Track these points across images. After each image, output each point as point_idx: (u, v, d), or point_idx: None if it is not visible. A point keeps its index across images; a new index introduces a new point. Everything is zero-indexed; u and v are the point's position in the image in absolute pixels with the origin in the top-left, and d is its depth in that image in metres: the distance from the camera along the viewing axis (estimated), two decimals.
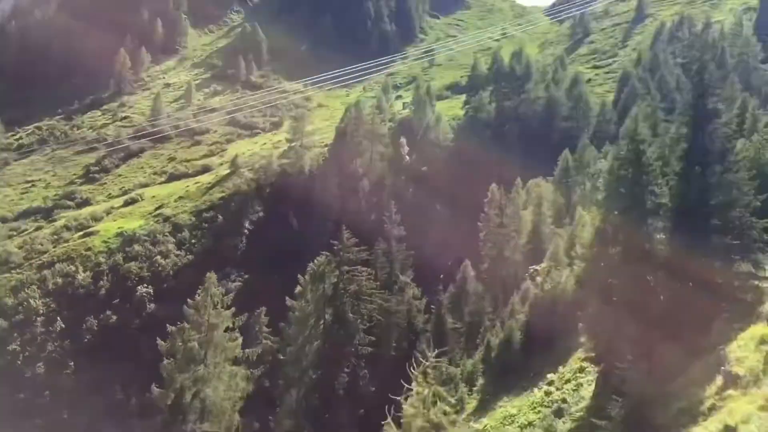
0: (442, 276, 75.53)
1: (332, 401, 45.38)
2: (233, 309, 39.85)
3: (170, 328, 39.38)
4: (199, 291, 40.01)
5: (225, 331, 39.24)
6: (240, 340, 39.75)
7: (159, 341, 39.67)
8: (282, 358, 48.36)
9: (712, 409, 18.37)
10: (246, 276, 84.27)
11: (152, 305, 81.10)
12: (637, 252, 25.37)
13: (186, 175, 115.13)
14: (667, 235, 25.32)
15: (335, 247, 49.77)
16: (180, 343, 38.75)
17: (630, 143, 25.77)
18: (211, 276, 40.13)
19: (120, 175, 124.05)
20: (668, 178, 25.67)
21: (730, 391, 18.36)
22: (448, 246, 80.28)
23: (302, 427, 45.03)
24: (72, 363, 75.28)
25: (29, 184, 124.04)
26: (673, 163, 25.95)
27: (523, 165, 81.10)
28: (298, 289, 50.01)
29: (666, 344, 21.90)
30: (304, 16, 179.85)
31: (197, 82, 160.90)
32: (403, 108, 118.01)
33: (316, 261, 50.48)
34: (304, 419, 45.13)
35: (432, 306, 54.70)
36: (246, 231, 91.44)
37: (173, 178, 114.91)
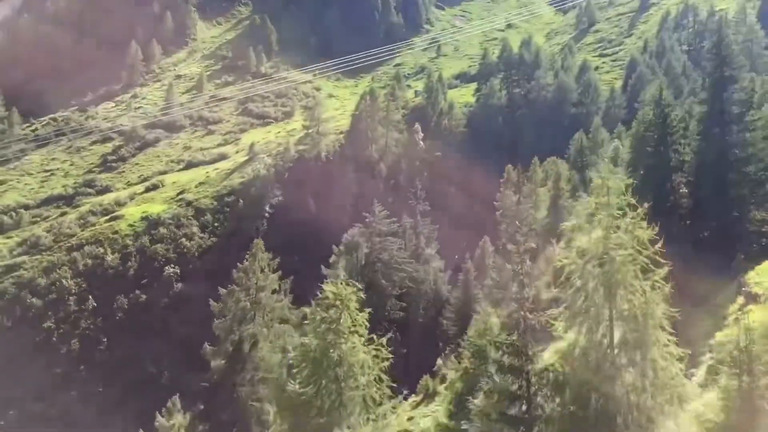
0: (456, 257, 78.68)
1: None
2: (279, 272, 42.91)
3: (222, 290, 42.47)
4: (246, 256, 43.08)
5: (272, 293, 42.26)
6: (286, 300, 42.82)
7: (212, 302, 42.75)
8: None
9: (736, 321, 21.41)
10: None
11: (179, 285, 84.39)
12: (663, 205, 28.34)
13: (203, 163, 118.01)
14: (690, 188, 28.32)
15: (366, 219, 52.85)
16: (231, 304, 41.83)
17: (655, 107, 28.72)
18: (259, 242, 43.21)
19: (137, 164, 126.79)
20: (690, 138, 28.66)
21: (750, 307, 21.39)
22: (463, 227, 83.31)
23: None
24: (105, 339, 78.58)
25: (48, 173, 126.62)
26: (694, 124, 28.93)
27: (534, 149, 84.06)
28: (332, 258, 53.22)
29: (692, 279, 24.91)
30: (312, 8, 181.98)
31: (208, 73, 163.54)
32: (415, 96, 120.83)
33: (349, 232, 53.64)
34: None
35: (460, 275, 57.68)
36: (267, 214, 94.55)
37: (191, 165, 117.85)
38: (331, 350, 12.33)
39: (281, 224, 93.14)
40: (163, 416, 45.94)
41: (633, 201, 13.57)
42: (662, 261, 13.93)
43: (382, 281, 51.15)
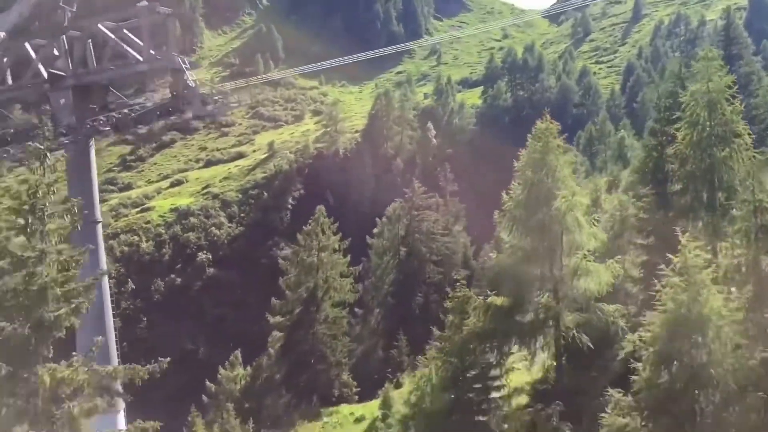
0: (471, 238, 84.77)
1: (408, 320, 54.54)
2: (340, 234, 49.04)
3: (287, 251, 48.56)
4: (309, 221, 49.29)
5: (333, 252, 48.25)
6: (348, 257, 48.84)
7: (280, 260, 48.84)
8: (363, 287, 57.29)
9: None
10: (293, 245, 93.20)
11: (211, 269, 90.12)
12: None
13: (222, 161, 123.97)
14: None
15: (406, 195, 59.22)
16: (297, 262, 47.87)
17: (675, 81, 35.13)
18: (321, 208, 49.34)
19: (155, 163, 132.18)
20: None
21: None
22: (476, 215, 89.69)
23: (382, 342, 54.10)
24: (145, 318, 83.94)
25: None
26: None
27: None
28: (377, 229, 59.43)
29: None
30: (314, 18, 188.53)
31: (218, 79, 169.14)
32: (425, 98, 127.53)
33: (391, 206, 60.03)
34: (384, 335, 54.28)
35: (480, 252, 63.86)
36: (289, 206, 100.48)
37: (211, 163, 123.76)
38: (548, 155, 19.24)
39: (303, 216, 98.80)
40: (225, 368, 51.80)
41: (721, 62, 20.57)
42: (736, 95, 22.60)
43: (422, 248, 57.33)
